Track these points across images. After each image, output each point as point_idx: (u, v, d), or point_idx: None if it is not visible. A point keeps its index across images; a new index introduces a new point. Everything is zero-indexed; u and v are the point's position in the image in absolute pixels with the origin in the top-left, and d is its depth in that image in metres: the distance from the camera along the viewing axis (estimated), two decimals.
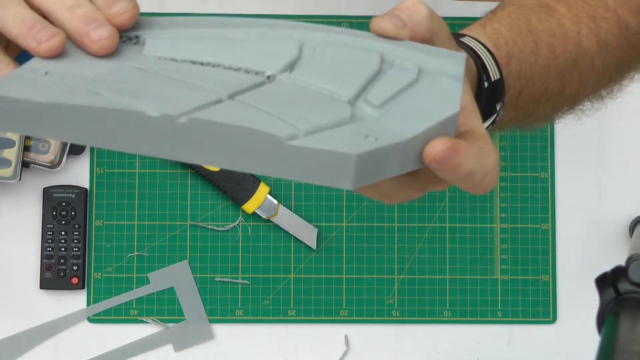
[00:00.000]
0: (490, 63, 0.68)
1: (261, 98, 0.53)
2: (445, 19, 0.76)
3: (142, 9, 1.20)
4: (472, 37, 0.69)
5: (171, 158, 0.50)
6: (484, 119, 0.67)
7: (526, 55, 0.72)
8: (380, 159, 0.50)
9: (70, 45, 0.57)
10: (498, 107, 0.68)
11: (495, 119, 0.69)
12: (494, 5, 0.78)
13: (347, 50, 0.58)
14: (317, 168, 0.48)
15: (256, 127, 0.49)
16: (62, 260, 1.10)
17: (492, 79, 0.68)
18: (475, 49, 0.68)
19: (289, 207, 1.13)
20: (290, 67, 0.57)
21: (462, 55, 0.58)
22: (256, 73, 0.56)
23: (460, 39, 0.69)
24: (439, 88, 0.55)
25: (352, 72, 0.55)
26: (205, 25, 0.60)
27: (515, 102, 0.72)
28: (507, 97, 0.71)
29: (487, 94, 0.68)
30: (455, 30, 0.70)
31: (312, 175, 0.49)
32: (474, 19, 0.75)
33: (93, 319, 1.12)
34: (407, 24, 0.59)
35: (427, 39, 0.59)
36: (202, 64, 0.58)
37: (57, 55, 0.55)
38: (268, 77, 0.56)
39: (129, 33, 0.59)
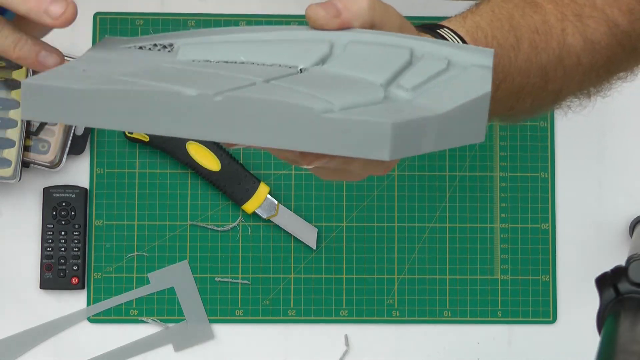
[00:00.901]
0: None
1: (295, 82, 0.54)
2: (443, 18, 0.76)
3: (142, 9, 1.20)
4: (450, 29, 0.69)
5: (208, 139, 0.50)
6: None
7: (506, 49, 0.72)
8: (416, 131, 0.50)
9: (104, 49, 0.58)
10: None
11: None
12: None
13: (376, 46, 0.58)
14: (353, 140, 0.48)
15: (292, 101, 0.49)
16: (62, 260, 1.10)
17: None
18: (451, 41, 0.68)
19: (289, 207, 1.13)
20: (322, 61, 0.57)
21: (490, 50, 0.59)
22: (289, 67, 0.57)
23: (437, 30, 0.69)
24: (469, 75, 0.56)
25: (383, 63, 0.56)
26: (236, 32, 0.61)
27: (494, 95, 0.72)
28: None
29: None
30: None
31: (349, 148, 0.49)
32: None
33: (93, 319, 1.12)
34: (342, 13, 0.59)
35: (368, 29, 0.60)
36: (236, 62, 0.58)
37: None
38: (301, 70, 0.57)
39: (162, 41, 0.60)
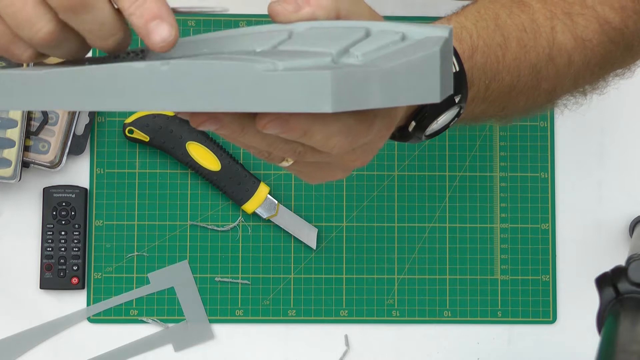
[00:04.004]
0: None
1: (246, 55, 0.55)
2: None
3: None
4: None
5: (161, 109, 0.52)
6: (443, 111, 0.67)
7: (492, 48, 0.72)
8: (359, 84, 0.51)
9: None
10: (457, 100, 0.68)
11: (459, 113, 0.69)
12: None
13: (332, 29, 0.59)
14: (296, 95, 0.49)
15: (235, 62, 0.50)
16: (62, 260, 1.10)
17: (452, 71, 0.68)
18: None
19: (289, 207, 1.13)
20: (279, 44, 0.58)
21: (449, 26, 0.59)
22: (246, 52, 0.58)
23: None
24: (422, 43, 0.57)
25: (336, 39, 0.57)
26: (204, 34, 0.63)
27: (484, 95, 0.72)
28: (473, 90, 0.71)
29: None
30: None
31: (292, 103, 0.50)
32: None
33: (93, 319, 1.12)
34: (302, 7, 0.59)
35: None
36: (197, 55, 0.59)
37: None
38: (256, 52, 0.58)
39: (135, 49, 0.62)
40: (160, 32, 0.55)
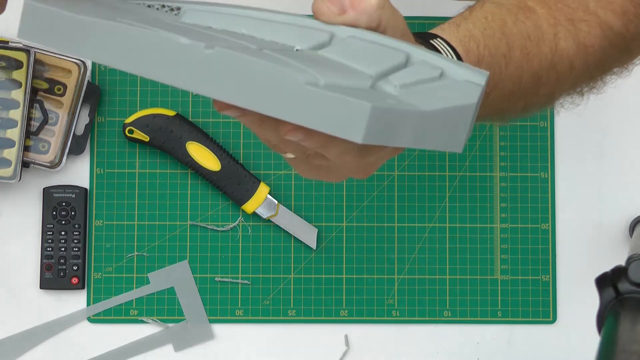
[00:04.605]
0: None
1: (288, 56, 0.54)
2: (443, 18, 0.76)
3: None
4: (443, 39, 0.69)
5: (193, 90, 0.51)
6: None
7: (497, 58, 0.72)
8: (394, 121, 0.50)
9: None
10: None
11: None
12: None
13: (375, 45, 0.59)
14: (331, 116, 0.49)
15: (279, 67, 0.50)
16: (62, 260, 1.10)
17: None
18: (444, 54, 0.68)
19: (289, 207, 1.13)
20: (320, 47, 0.58)
21: (486, 72, 0.59)
22: (287, 46, 0.58)
23: (430, 41, 0.69)
24: (459, 86, 0.57)
25: (377, 60, 0.57)
26: (244, 8, 0.62)
27: (485, 102, 0.72)
28: None
29: None
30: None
31: (326, 123, 0.49)
32: None
33: (93, 319, 1.12)
34: (347, 10, 0.59)
35: (373, 29, 0.60)
36: (236, 33, 0.59)
37: None
38: (296, 50, 0.57)
39: (170, 4, 0.61)
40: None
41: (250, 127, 0.57)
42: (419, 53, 0.59)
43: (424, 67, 0.58)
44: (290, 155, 0.60)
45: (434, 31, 0.71)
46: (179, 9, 0.61)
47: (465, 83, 0.57)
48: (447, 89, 0.56)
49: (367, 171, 0.61)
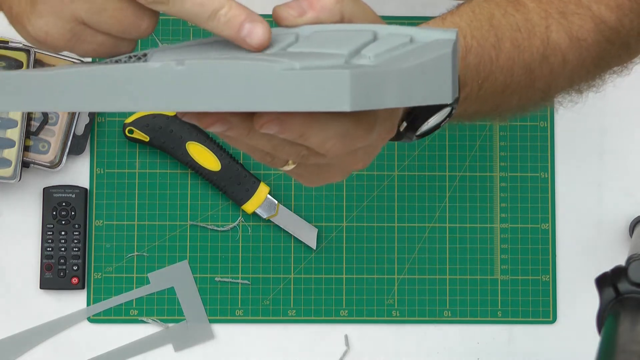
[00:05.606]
0: None
1: (259, 55, 0.55)
2: None
3: None
4: None
5: (176, 109, 0.52)
6: (435, 112, 0.68)
7: (486, 49, 0.72)
8: (376, 84, 0.51)
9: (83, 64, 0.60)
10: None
11: (451, 113, 0.69)
12: None
13: (341, 32, 0.60)
14: (313, 94, 0.49)
15: (253, 62, 0.51)
16: (62, 260, 1.10)
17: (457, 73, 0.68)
18: None
19: (289, 207, 1.13)
20: (288, 46, 0.59)
21: (454, 29, 0.59)
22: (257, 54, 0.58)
23: None
24: (431, 45, 0.57)
25: (346, 42, 0.57)
26: (210, 38, 0.62)
27: (477, 95, 0.72)
28: (465, 90, 0.71)
29: None
30: None
31: (310, 102, 0.50)
32: None
33: (93, 319, 1.12)
34: (307, 12, 0.60)
35: (337, 23, 0.60)
36: (205, 54, 0.59)
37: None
38: (266, 54, 0.58)
39: (137, 53, 0.62)
40: (257, 33, 0.57)
41: (241, 142, 0.57)
42: (384, 28, 0.60)
43: (393, 37, 0.58)
44: (288, 167, 0.60)
45: (419, 26, 0.71)
46: (145, 55, 0.61)
47: (436, 41, 0.58)
48: (420, 49, 0.57)
49: (364, 159, 0.61)
